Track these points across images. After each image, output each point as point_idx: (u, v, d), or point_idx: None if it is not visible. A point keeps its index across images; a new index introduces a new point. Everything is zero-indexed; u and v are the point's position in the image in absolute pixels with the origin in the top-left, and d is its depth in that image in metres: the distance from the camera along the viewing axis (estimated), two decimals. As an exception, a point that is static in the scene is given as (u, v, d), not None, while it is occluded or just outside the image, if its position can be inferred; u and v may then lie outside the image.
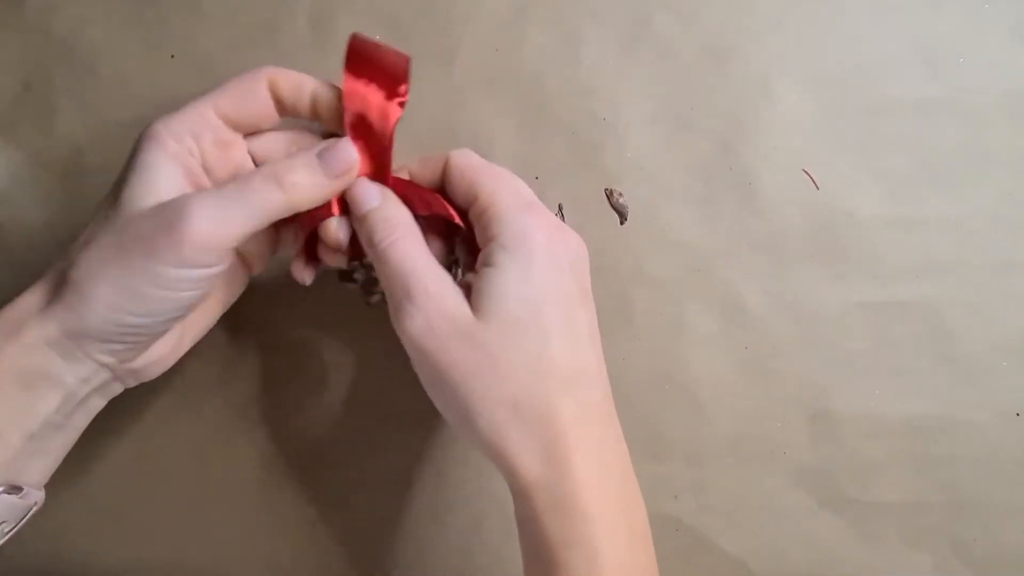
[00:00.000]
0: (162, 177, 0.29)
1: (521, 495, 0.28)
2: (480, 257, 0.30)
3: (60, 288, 0.28)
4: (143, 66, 0.41)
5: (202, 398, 0.40)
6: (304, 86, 0.31)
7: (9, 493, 0.29)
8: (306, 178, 0.29)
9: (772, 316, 0.40)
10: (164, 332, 0.31)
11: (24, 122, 0.41)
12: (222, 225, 0.27)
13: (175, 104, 0.41)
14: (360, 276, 0.37)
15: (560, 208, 0.40)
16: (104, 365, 0.30)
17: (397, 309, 0.29)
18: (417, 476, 0.39)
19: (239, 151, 0.32)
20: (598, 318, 0.39)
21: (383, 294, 0.37)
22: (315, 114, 0.32)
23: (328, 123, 0.32)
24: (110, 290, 0.27)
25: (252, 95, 0.31)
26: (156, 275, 0.27)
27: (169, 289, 0.28)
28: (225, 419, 0.40)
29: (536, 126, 0.41)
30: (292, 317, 0.40)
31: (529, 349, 0.28)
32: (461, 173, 0.31)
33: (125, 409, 0.39)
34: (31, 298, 0.29)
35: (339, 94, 0.31)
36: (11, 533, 0.30)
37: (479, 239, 0.31)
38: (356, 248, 0.32)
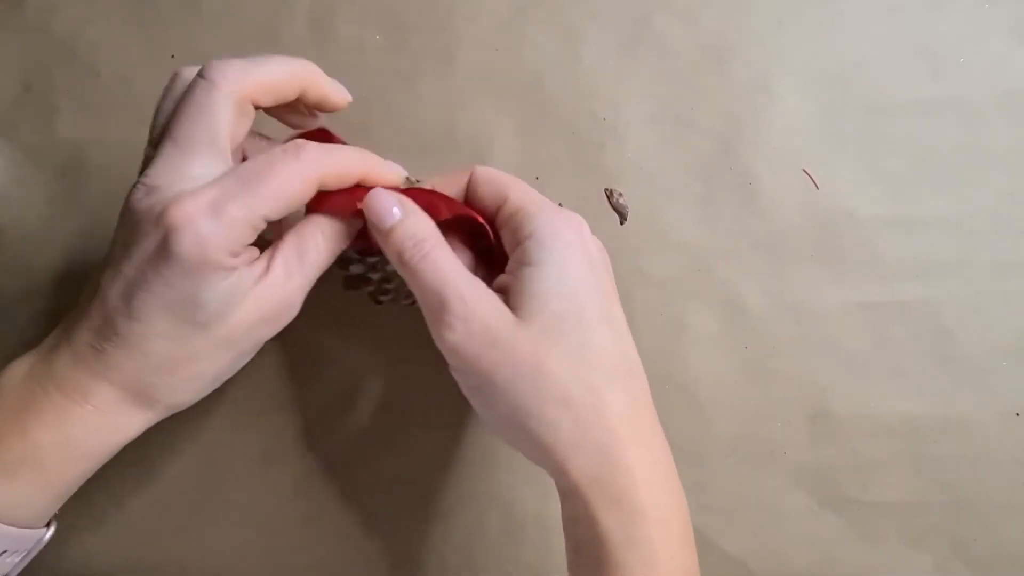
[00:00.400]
0: (241, 299, 0.28)
1: (572, 494, 0.28)
2: (514, 256, 0.30)
3: (151, 406, 0.29)
4: (143, 66, 0.41)
5: (204, 397, 0.40)
6: (352, 178, 0.30)
7: (49, 526, 0.30)
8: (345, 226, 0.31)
9: (772, 316, 0.40)
10: None
11: (24, 122, 0.41)
12: (303, 292, 0.30)
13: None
14: (367, 272, 0.36)
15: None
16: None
17: (435, 321, 0.29)
18: (419, 475, 0.39)
19: None
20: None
21: (394, 293, 0.37)
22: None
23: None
24: (217, 381, 0.31)
25: (301, 202, 0.29)
26: (260, 344, 0.30)
27: (257, 348, 0.31)
28: (227, 418, 0.40)
29: (536, 126, 0.41)
30: (295, 316, 0.40)
31: (574, 343, 0.28)
32: (489, 180, 0.32)
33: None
34: (110, 412, 0.28)
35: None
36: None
37: (509, 241, 0.31)
38: (360, 242, 0.32)
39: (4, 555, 0.28)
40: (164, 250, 0.26)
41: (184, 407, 0.31)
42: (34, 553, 0.30)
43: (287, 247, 0.29)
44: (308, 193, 0.28)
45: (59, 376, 0.28)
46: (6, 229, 0.40)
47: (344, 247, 0.31)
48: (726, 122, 0.40)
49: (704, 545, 0.39)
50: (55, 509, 0.30)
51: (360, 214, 0.30)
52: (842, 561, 0.39)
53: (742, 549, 0.39)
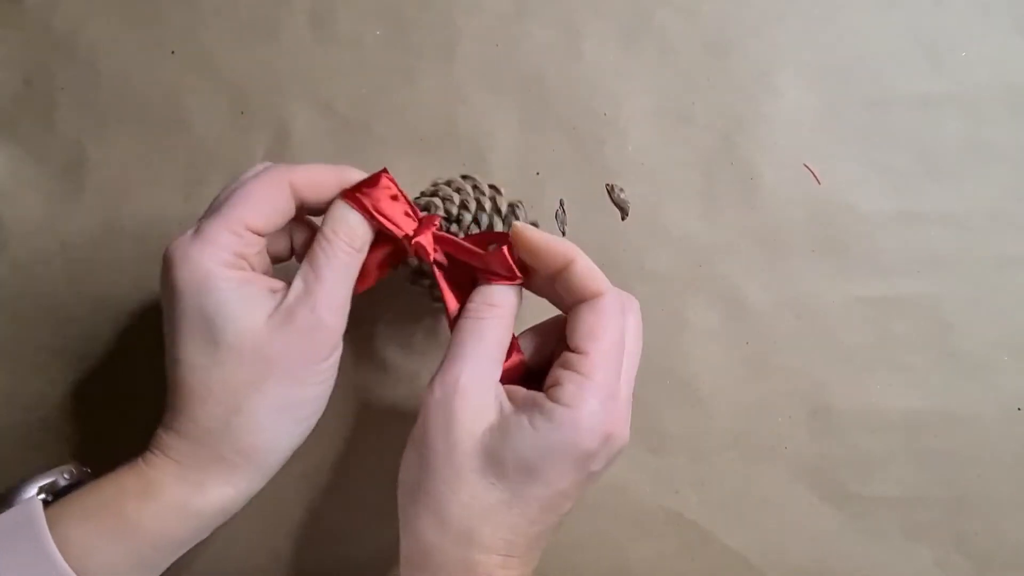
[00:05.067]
0: (250, 306, 0.29)
1: None
2: (542, 394, 0.29)
3: (222, 458, 0.29)
4: (143, 62, 0.41)
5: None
6: (326, 182, 0.31)
7: None
8: (365, 232, 0.31)
9: (773, 311, 0.40)
10: None
11: (25, 118, 0.41)
12: (340, 307, 0.30)
13: (175, 100, 0.41)
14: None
15: (561, 204, 0.40)
16: None
17: (439, 369, 0.29)
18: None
19: (265, 249, 0.32)
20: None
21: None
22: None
23: None
24: (281, 420, 0.30)
25: (279, 207, 0.30)
26: (313, 375, 0.30)
27: (322, 383, 0.31)
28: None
29: (537, 121, 0.41)
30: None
31: (492, 495, 0.28)
32: (604, 312, 0.29)
33: (127, 408, 0.39)
34: (186, 465, 0.29)
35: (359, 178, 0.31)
36: None
37: (552, 362, 0.30)
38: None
39: None
40: (169, 283, 0.29)
41: (260, 467, 0.30)
42: None
43: (304, 264, 0.30)
44: (282, 196, 0.30)
45: (153, 439, 0.30)
46: (6, 225, 0.40)
47: (357, 257, 0.31)
48: (727, 117, 0.40)
49: (705, 539, 0.39)
50: None
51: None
52: (843, 555, 0.39)
53: (743, 543, 0.39)
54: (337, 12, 0.41)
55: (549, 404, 0.27)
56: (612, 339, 0.29)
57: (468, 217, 0.34)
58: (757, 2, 0.41)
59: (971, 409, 0.39)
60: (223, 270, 0.29)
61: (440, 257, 0.32)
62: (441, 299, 0.32)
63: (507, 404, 0.29)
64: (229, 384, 0.29)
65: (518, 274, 0.30)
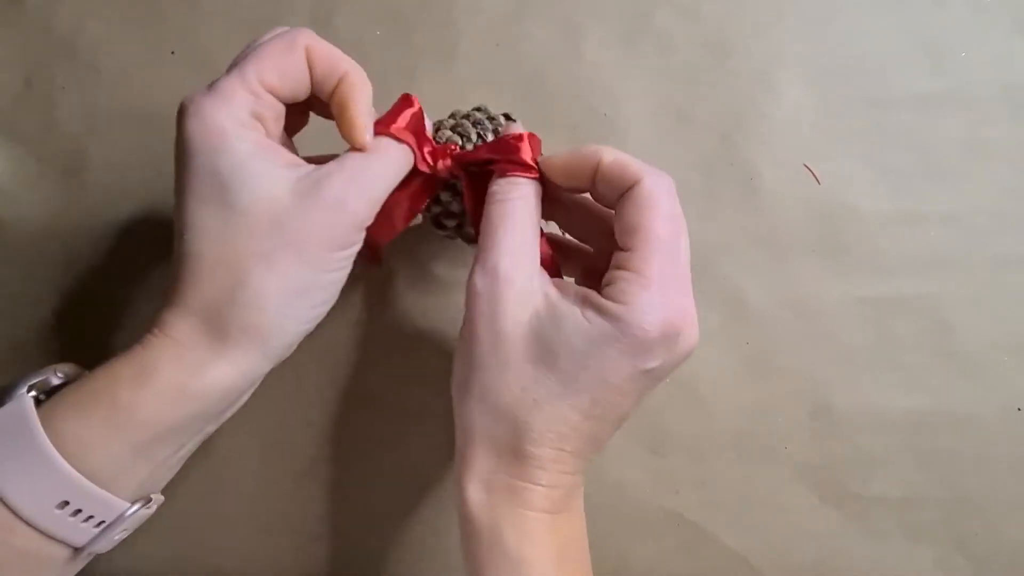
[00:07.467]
0: (268, 170, 0.27)
1: (460, 474, 0.28)
2: (599, 292, 0.28)
3: (225, 334, 0.27)
4: (143, 62, 0.41)
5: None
6: (338, 65, 0.30)
7: (144, 507, 0.28)
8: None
9: (773, 311, 0.40)
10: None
11: (25, 118, 0.41)
12: (370, 198, 0.29)
13: (176, 99, 0.41)
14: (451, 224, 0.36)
15: None
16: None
17: (476, 258, 0.29)
18: (419, 468, 0.39)
19: (282, 119, 0.31)
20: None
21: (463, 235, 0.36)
22: (337, 96, 0.30)
23: (342, 108, 0.30)
24: (289, 302, 0.28)
25: (295, 68, 0.29)
26: (328, 262, 0.28)
27: (336, 271, 0.29)
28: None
29: (536, 121, 0.40)
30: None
31: (542, 385, 0.27)
32: (642, 203, 0.28)
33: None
34: (185, 344, 0.27)
35: (365, 80, 0.31)
36: (125, 535, 0.29)
37: (609, 257, 0.30)
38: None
39: (78, 516, 0.26)
40: (182, 142, 0.27)
41: (264, 349, 0.28)
42: (118, 533, 0.28)
43: (345, 153, 0.29)
44: (298, 58, 0.29)
45: (152, 317, 0.28)
46: (7, 224, 0.41)
47: (405, 162, 0.31)
48: (727, 117, 0.40)
49: (705, 540, 0.39)
50: (137, 474, 0.27)
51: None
52: (843, 555, 0.39)
53: (743, 544, 0.39)
54: (337, 12, 0.41)
55: (602, 301, 0.27)
56: (658, 229, 0.28)
57: (474, 136, 0.34)
58: (757, 2, 0.41)
59: (971, 409, 0.39)
60: (240, 129, 0.27)
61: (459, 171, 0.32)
62: (471, 237, 0.33)
63: (553, 291, 0.28)
64: (239, 253, 0.27)
65: (531, 163, 0.31)
